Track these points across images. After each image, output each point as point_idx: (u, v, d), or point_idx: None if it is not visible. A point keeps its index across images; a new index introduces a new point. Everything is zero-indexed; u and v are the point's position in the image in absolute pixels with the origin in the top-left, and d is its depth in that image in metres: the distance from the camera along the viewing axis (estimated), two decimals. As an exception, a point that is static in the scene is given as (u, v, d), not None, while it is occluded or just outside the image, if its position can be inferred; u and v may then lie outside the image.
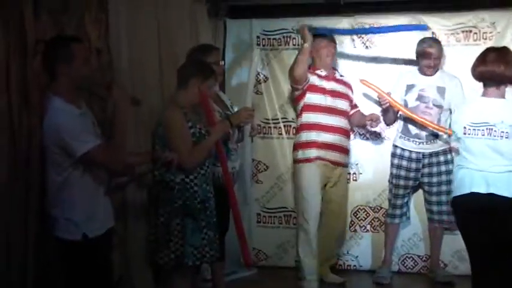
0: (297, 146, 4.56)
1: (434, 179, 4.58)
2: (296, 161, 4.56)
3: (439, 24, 4.85)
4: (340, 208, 4.66)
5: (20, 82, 3.10)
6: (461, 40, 4.82)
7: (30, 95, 3.15)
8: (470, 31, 4.80)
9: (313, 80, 4.50)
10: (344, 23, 4.99)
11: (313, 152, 4.44)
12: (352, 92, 4.70)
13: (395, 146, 4.67)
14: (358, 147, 4.95)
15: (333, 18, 5.03)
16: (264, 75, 5.10)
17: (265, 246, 5.06)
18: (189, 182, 3.40)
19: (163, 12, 4.23)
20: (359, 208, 4.95)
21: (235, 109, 4.15)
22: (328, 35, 4.59)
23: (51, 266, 3.19)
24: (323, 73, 4.56)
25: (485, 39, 4.75)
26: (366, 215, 4.95)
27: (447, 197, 4.48)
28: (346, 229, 4.91)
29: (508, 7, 4.73)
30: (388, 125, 4.81)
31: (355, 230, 4.97)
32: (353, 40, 5.00)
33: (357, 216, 4.95)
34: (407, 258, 4.88)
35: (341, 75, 4.71)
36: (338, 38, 4.92)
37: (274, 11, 5.18)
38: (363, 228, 4.95)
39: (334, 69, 4.75)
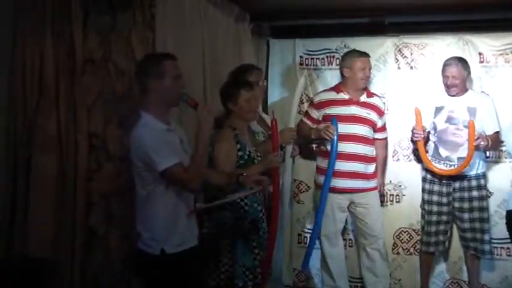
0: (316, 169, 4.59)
1: (466, 205, 4.44)
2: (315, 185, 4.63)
3: (487, 45, 4.76)
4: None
5: (69, 101, 3.15)
6: (510, 61, 4.70)
7: (77, 114, 3.19)
8: (519, 51, 4.69)
9: (329, 110, 4.47)
10: (388, 43, 4.95)
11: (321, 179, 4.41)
12: (378, 115, 4.58)
13: (426, 170, 4.55)
14: (401, 168, 4.86)
15: (377, 38, 4.99)
16: (307, 95, 5.07)
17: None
18: (240, 202, 3.40)
19: (208, 31, 4.25)
20: (402, 230, 4.86)
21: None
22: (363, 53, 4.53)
23: (98, 282, 3.21)
24: (346, 96, 4.50)
25: (534, 59, 4.65)
26: (409, 237, 4.84)
27: (481, 224, 4.40)
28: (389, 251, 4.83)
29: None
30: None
31: (398, 253, 4.88)
32: (397, 60, 4.93)
33: (400, 238, 4.85)
34: (452, 283, 4.75)
35: (369, 96, 4.59)
36: (382, 58, 4.92)
37: (317, 31, 5.17)
38: (406, 251, 4.85)
39: (365, 88, 4.62)
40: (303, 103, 5.04)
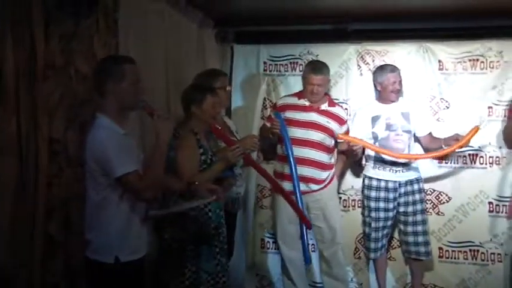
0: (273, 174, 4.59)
1: (410, 209, 4.52)
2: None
3: (446, 53, 4.85)
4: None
5: (29, 106, 3.11)
6: (468, 68, 4.80)
7: (38, 119, 3.16)
8: (477, 60, 4.78)
9: (289, 114, 4.51)
10: (351, 49, 5.00)
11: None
12: (339, 123, 4.62)
13: (369, 178, 4.59)
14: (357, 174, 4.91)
15: (340, 45, 5.04)
16: (270, 101, 5.10)
17: (269, 272, 5.00)
18: (203, 208, 3.41)
19: (171, 37, 4.25)
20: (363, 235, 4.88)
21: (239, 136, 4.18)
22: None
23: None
24: (307, 103, 4.55)
25: (492, 68, 4.75)
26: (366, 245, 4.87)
27: (423, 227, 4.49)
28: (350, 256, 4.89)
29: (515, 37, 4.75)
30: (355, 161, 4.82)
31: (359, 257, 4.93)
32: (359, 67, 5.00)
33: (362, 243, 4.89)
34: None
35: (331, 105, 4.64)
36: (345, 65, 4.98)
37: (281, 37, 5.20)
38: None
39: (327, 96, 4.70)
40: (266, 108, 5.08)
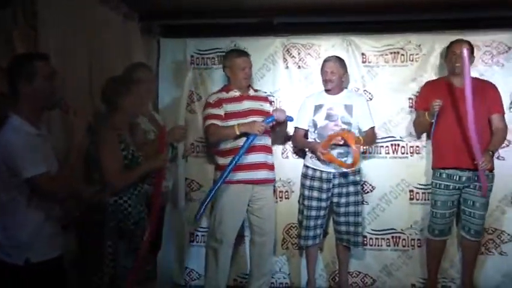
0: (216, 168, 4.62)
1: (343, 200, 4.60)
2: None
3: (369, 46, 4.98)
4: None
5: None
6: (390, 61, 4.95)
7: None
8: (398, 52, 4.94)
9: (227, 107, 4.52)
10: (277, 43, 5.06)
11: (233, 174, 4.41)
12: (269, 104, 4.72)
13: (306, 167, 4.66)
14: (290, 165, 4.97)
15: (266, 38, 5.09)
16: (198, 94, 5.10)
17: (198, 266, 4.99)
18: (123, 203, 3.37)
19: (95, 30, 4.19)
20: (291, 226, 4.98)
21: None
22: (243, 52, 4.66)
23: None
24: (237, 93, 4.59)
25: (412, 60, 4.91)
26: (298, 232, 4.92)
27: (355, 218, 4.61)
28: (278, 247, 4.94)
29: (433, 31, 4.91)
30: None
31: (287, 248, 5.00)
32: (285, 60, 5.06)
33: (289, 234, 4.98)
34: (338, 275, 4.89)
35: (256, 90, 4.72)
36: (271, 58, 5.04)
37: (208, 31, 5.21)
38: (295, 245, 4.96)
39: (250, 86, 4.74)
40: (194, 102, 5.08)
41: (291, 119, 4.57)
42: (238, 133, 4.38)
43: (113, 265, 3.28)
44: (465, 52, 3.99)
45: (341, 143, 4.42)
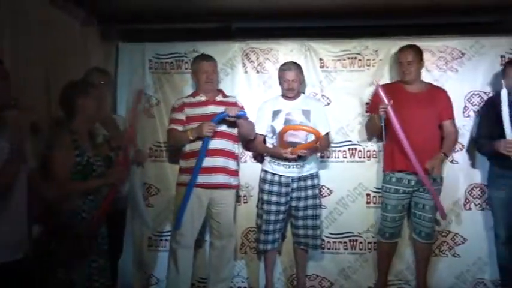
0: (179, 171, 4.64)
1: (301, 203, 4.64)
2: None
3: (327, 51, 5.03)
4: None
5: None
6: (347, 66, 5.00)
7: None
8: (355, 58, 5.00)
9: (189, 111, 4.58)
10: (236, 47, 5.08)
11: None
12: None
13: (265, 171, 4.69)
14: (249, 169, 4.97)
15: (225, 43, 5.11)
16: (156, 99, 5.09)
17: (157, 271, 4.98)
18: (77, 208, 3.35)
19: (51, 34, 4.15)
20: (249, 230, 4.99)
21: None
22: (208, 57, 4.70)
23: None
24: (203, 98, 4.63)
25: (369, 65, 4.98)
26: (256, 236, 4.94)
27: (313, 221, 4.65)
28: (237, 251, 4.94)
29: (389, 36, 4.99)
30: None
31: (245, 252, 5.01)
32: (244, 65, 5.09)
33: (248, 238, 4.99)
34: (295, 279, 4.91)
35: (225, 97, 4.75)
36: (230, 62, 5.06)
37: (167, 35, 5.20)
38: (253, 250, 4.96)
39: (220, 90, 4.78)
40: (152, 107, 5.07)
41: (243, 113, 4.60)
42: (191, 137, 4.46)
43: (64, 271, 3.25)
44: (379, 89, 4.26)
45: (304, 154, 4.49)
